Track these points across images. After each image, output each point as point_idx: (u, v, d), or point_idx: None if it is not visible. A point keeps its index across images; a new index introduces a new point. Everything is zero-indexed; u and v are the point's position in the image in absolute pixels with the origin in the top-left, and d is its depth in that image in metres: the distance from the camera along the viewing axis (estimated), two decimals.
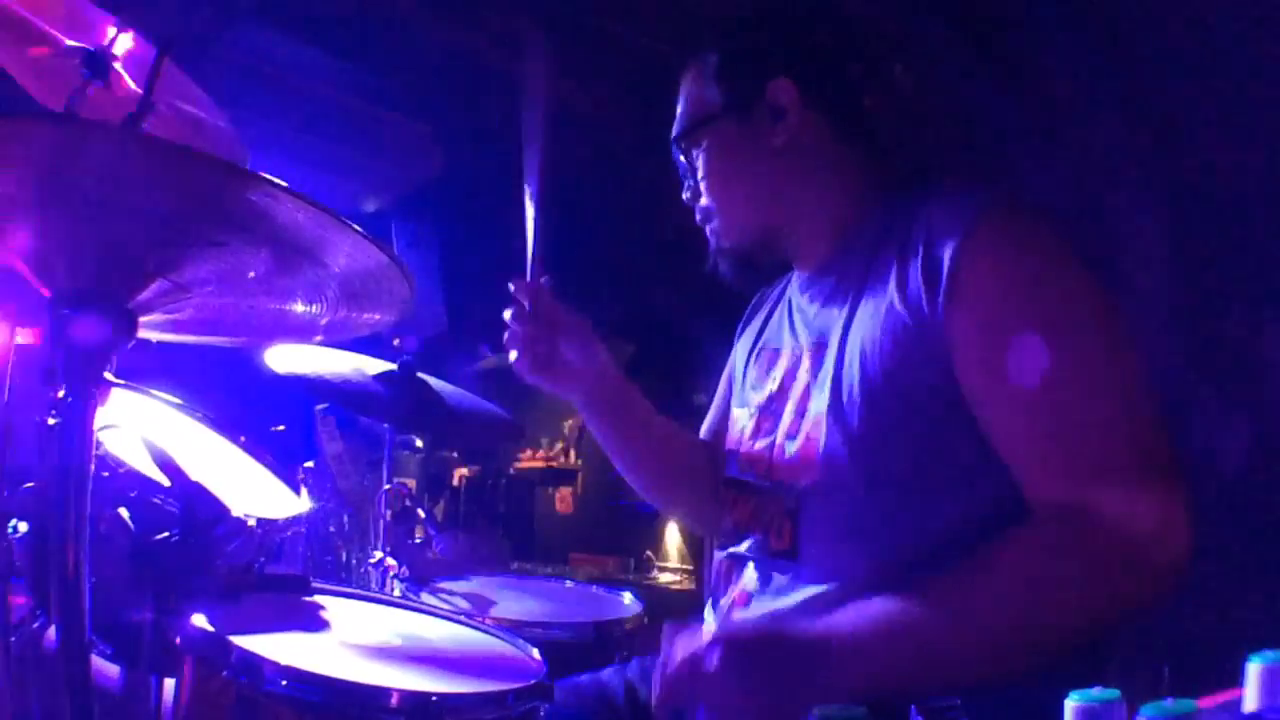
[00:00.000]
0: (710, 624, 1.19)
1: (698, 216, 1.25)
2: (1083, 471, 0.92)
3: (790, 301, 1.26)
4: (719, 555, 1.21)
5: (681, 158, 1.23)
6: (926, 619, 0.91)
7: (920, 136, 1.24)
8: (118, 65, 1.30)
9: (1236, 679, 0.44)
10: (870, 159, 1.18)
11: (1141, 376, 0.95)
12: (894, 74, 1.20)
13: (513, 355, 1.32)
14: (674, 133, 1.23)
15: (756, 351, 1.30)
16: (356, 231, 0.84)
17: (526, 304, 1.30)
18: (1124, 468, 0.92)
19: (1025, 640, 0.91)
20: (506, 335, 1.32)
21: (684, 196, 1.25)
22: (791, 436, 1.12)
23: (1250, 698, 0.43)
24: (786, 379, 1.17)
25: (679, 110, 1.24)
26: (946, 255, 0.99)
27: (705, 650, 0.90)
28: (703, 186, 1.21)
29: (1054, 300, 0.98)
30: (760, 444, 1.18)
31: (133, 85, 1.32)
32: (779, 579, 1.08)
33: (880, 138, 1.19)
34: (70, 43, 1.30)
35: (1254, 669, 0.43)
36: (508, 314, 1.32)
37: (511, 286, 1.31)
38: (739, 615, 1.12)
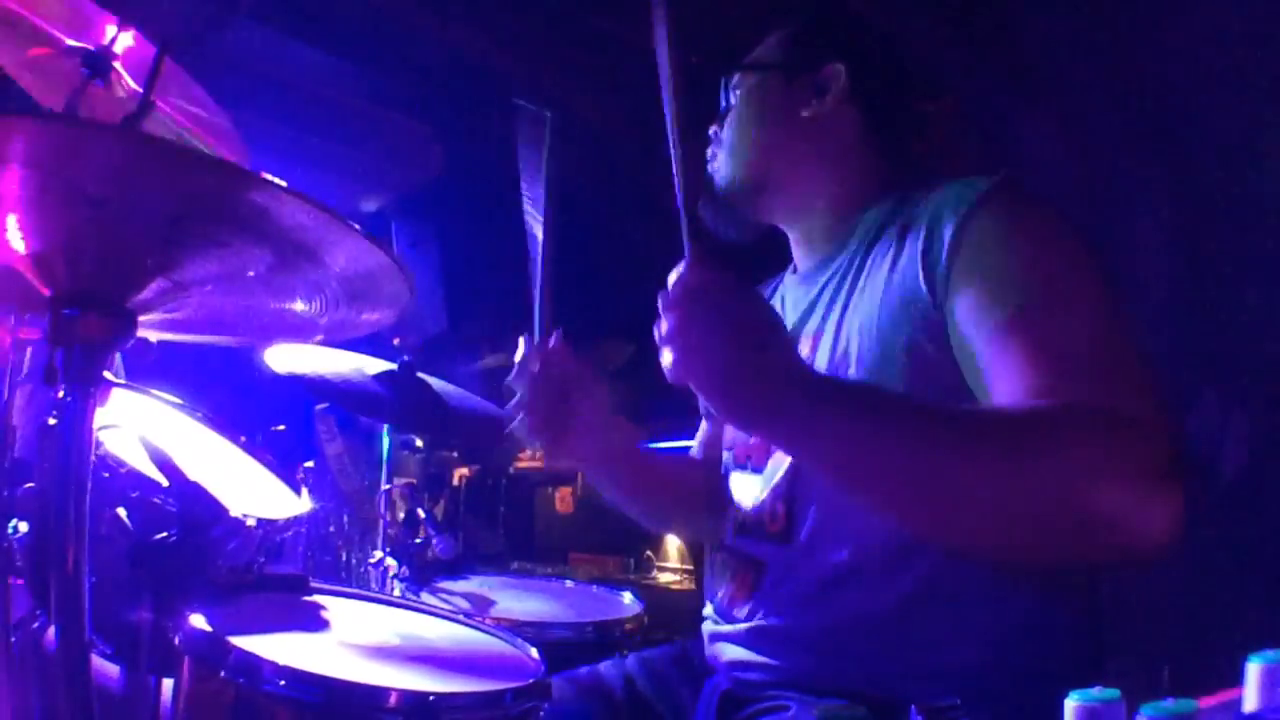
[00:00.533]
0: (710, 617, 1.19)
1: (709, 150, 1.27)
2: (1087, 392, 0.86)
3: (783, 298, 1.27)
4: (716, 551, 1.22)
5: (726, 89, 1.27)
6: (934, 425, 0.84)
7: (937, 142, 1.25)
8: (117, 65, 1.30)
9: (1236, 679, 0.44)
10: (887, 161, 1.21)
11: (1137, 338, 0.93)
12: (934, 89, 1.24)
13: (518, 420, 1.23)
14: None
15: None
16: (357, 231, 0.84)
17: (537, 365, 1.23)
18: (1128, 390, 0.87)
19: (1024, 510, 0.82)
20: (513, 403, 1.24)
21: (711, 130, 1.28)
22: None
23: (1250, 698, 0.43)
24: None
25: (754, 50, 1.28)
26: (948, 229, 0.99)
27: (703, 289, 0.84)
28: (727, 120, 1.25)
29: (1053, 260, 0.97)
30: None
31: (133, 85, 1.32)
32: (776, 563, 1.09)
33: (906, 145, 1.22)
34: (70, 43, 1.30)
35: (1254, 669, 0.43)
36: (511, 379, 1.24)
37: (520, 346, 1.24)
38: (738, 606, 1.12)
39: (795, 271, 1.27)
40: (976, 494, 0.81)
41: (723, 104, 1.28)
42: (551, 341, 1.25)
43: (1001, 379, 0.91)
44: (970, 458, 0.82)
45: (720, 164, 1.25)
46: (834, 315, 1.11)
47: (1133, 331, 0.94)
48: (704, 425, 1.48)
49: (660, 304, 0.85)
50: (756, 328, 0.83)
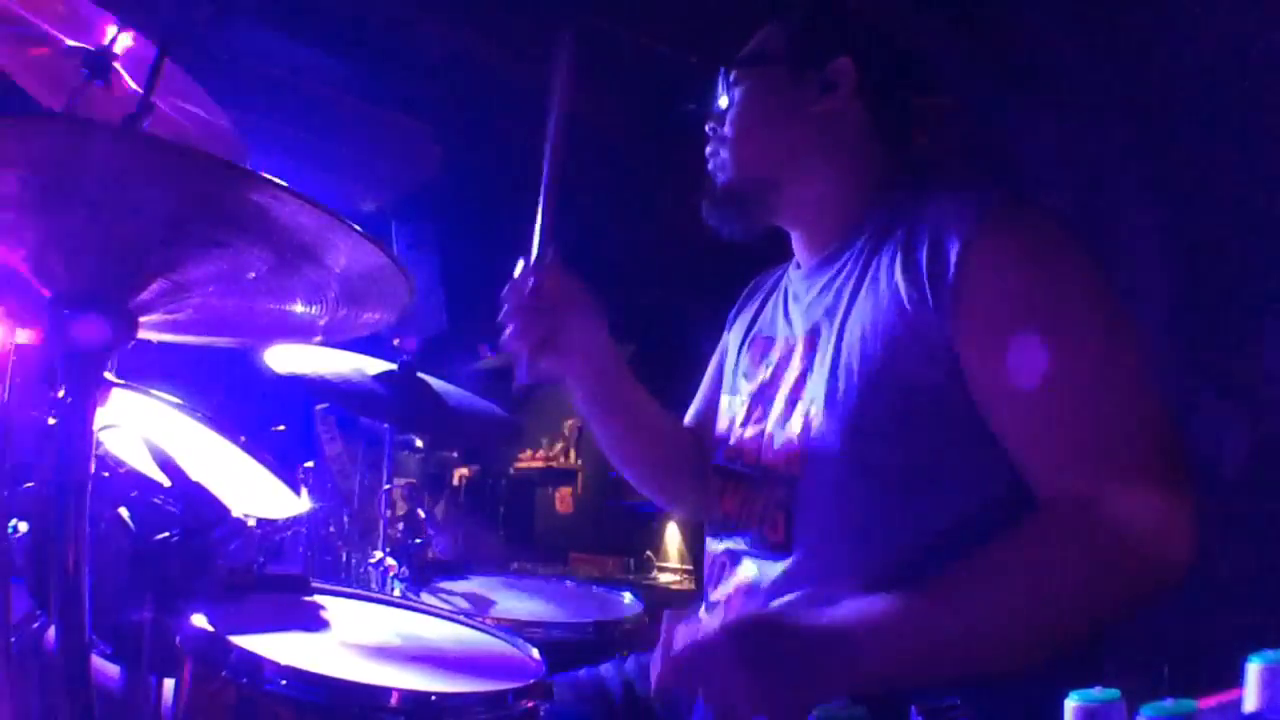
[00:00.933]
0: (705, 618, 1.19)
1: (709, 147, 1.25)
2: (1091, 466, 0.92)
3: (786, 290, 1.26)
4: (712, 548, 1.21)
5: (723, 83, 1.25)
6: (933, 613, 0.91)
7: (939, 141, 1.25)
8: (117, 65, 1.30)
9: (1236, 679, 0.44)
10: (890, 158, 1.20)
11: (1148, 372, 0.96)
12: (940, 88, 1.25)
13: (507, 331, 1.26)
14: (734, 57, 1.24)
15: (749, 340, 1.30)
16: (357, 232, 0.83)
17: (531, 279, 1.25)
18: (1132, 463, 0.92)
19: (1031, 634, 0.91)
20: (504, 312, 1.26)
21: (708, 126, 1.25)
22: (783, 425, 1.12)
23: (1250, 698, 0.43)
24: (780, 367, 1.18)
25: (749, 44, 1.26)
26: (953, 250, 0.99)
27: (710, 637, 0.90)
28: (728, 116, 1.23)
29: (1061, 296, 0.98)
30: (750, 432, 1.18)
31: (132, 85, 1.32)
32: (775, 573, 1.08)
33: (910, 141, 1.22)
34: (70, 43, 1.30)
35: (1254, 669, 0.43)
36: (508, 289, 1.27)
37: (520, 264, 1.27)
38: (736, 609, 1.12)
39: (799, 267, 1.26)
40: (1011, 633, 0.91)
41: (719, 99, 1.25)
42: (545, 259, 1.26)
43: (1014, 444, 0.97)
44: (992, 613, 0.91)
45: (724, 162, 1.23)
46: (836, 318, 1.10)
47: (1139, 364, 0.95)
48: (696, 402, 1.48)
49: (673, 660, 0.92)
50: (767, 649, 0.90)
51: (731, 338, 1.38)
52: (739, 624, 0.91)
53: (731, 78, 1.24)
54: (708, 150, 1.26)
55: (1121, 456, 0.92)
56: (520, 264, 1.27)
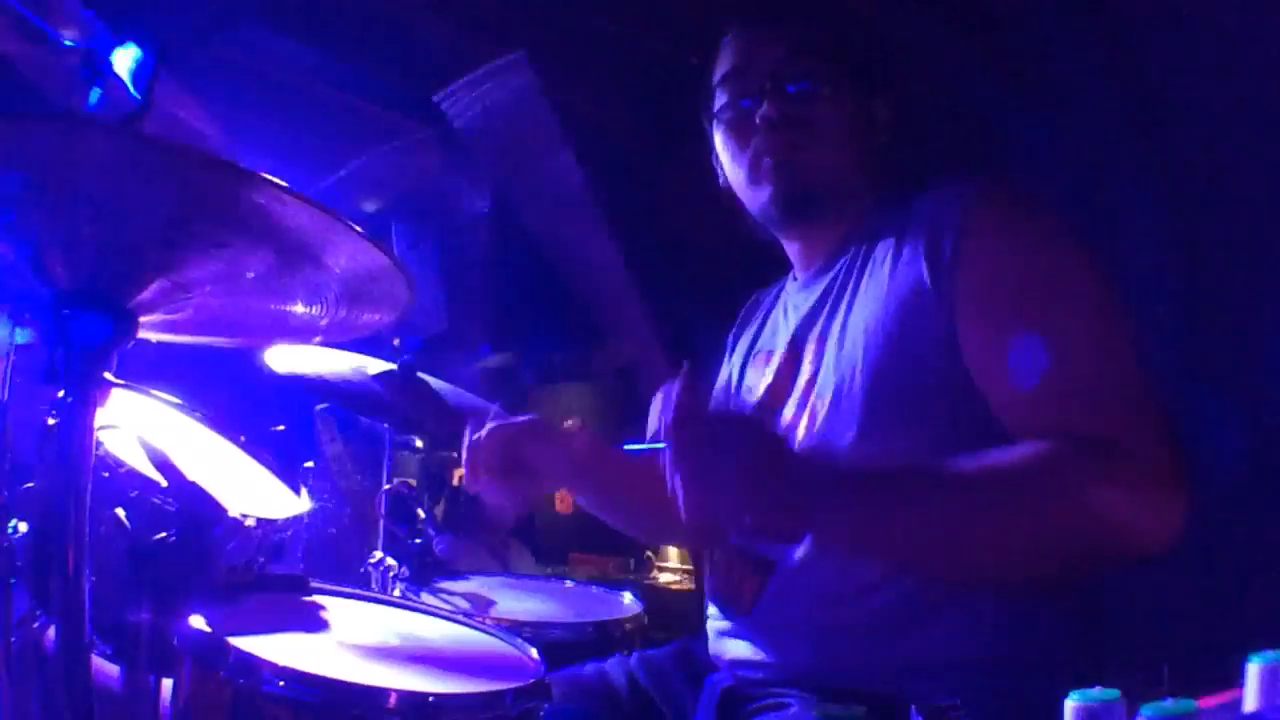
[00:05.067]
0: (714, 615, 1.19)
1: (783, 139, 1.17)
2: (1085, 420, 0.93)
3: (785, 305, 1.26)
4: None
5: (779, 74, 1.17)
6: (935, 491, 0.92)
7: (923, 135, 1.26)
8: (117, 66, 1.30)
9: (1236, 679, 0.44)
10: (886, 165, 1.21)
11: (1139, 342, 0.97)
12: (927, 96, 1.25)
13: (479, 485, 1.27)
14: (807, 45, 1.18)
15: (753, 356, 1.30)
16: (357, 232, 0.83)
17: (485, 436, 1.25)
18: (1124, 420, 0.92)
19: (1002, 546, 0.91)
20: (468, 473, 1.28)
21: (768, 111, 1.16)
22: (793, 428, 1.12)
23: (1250, 698, 0.43)
24: (787, 376, 1.18)
25: (800, 34, 1.19)
26: (949, 232, 1.01)
27: (719, 418, 0.92)
28: (814, 125, 1.17)
29: (1055, 263, 1.00)
30: None
31: (131, 87, 1.32)
32: (781, 566, 1.08)
33: (905, 151, 1.23)
34: (70, 43, 1.30)
35: (1254, 669, 0.43)
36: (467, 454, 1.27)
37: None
38: (743, 605, 1.12)
39: (795, 279, 1.27)
40: (981, 541, 0.91)
41: (779, 88, 1.17)
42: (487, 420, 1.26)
43: (1001, 396, 0.97)
44: (971, 510, 0.91)
45: (802, 167, 1.17)
46: (838, 318, 1.11)
47: (1132, 336, 0.96)
48: None
49: (663, 431, 0.90)
50: (760, 443, 0.89)
51: (735, 357, 1.38)
52: (745, 420, 0.93)
53: (812, 82, 1.17)
54: (784, 142, 1.17)
55: (1114, 414, 0.93)
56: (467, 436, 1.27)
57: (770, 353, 1.24)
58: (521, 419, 1.28)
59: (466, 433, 1.27)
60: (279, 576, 1.15)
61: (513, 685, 0.93)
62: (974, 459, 0.93)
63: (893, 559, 0.94)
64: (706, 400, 0.91)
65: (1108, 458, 0.90)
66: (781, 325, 1.25)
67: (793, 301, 1.24)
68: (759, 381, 1.23)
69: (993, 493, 0.91)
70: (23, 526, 1.05)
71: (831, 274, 1.17)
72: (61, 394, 0.85)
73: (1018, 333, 0.95)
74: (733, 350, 1.40)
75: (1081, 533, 0.90)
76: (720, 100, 1.22)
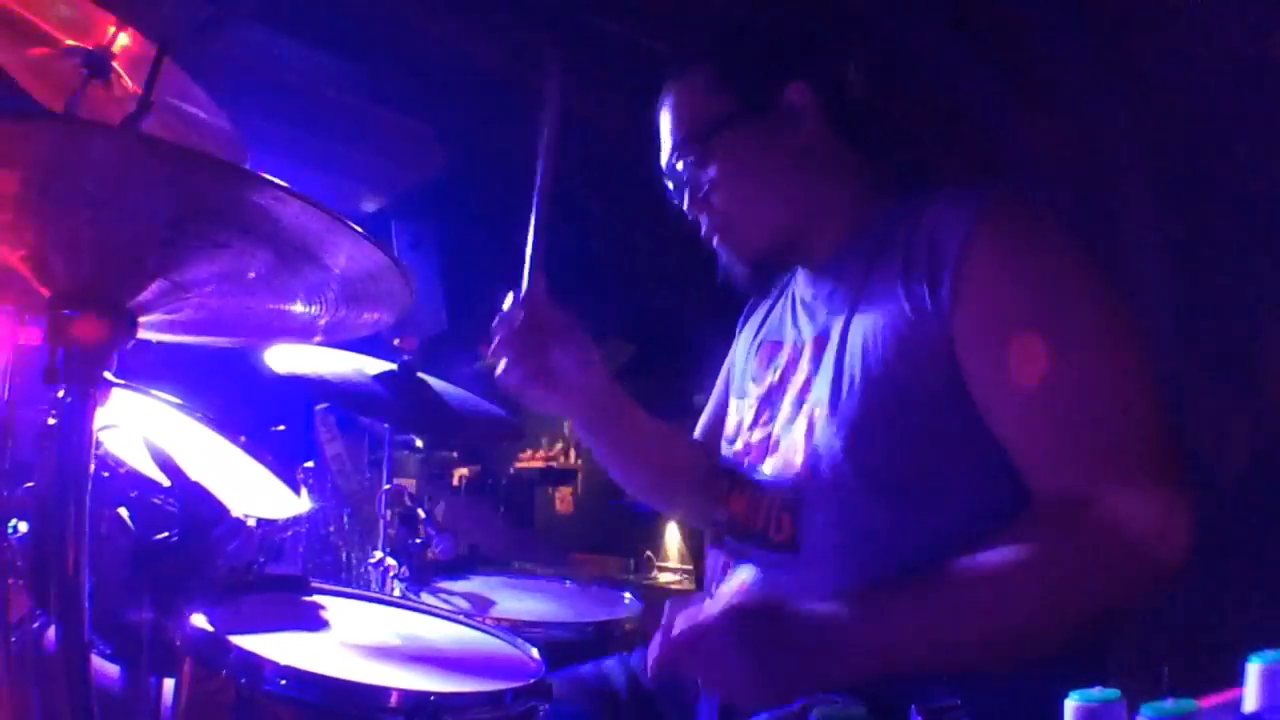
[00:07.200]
0: (707, 604, 1.19)
1: (705, 228, 1.20)
2: (1087, 465, 0.93)
3: (793, 295, 1.26)
4: (717, 548, 1.22)
5: (680, 167, 1.18)
6: (933, 610, 0.92)
7: (921, 135, 1.24)
8: (117, 65, 1.30)
9: (1236, 679, 0.44)
10: (873, 159, 1.19)
11: (1147, 371, 0.96)
12: (897, 75, 1.22)
13: (500, 366, 1.23)
14: (676, 140, 1.19)
15: (758, 345, 1.30)
16: (357, 232, 0.83)
17: (522, 312, 1.22)
18: (1128, 462, 0.92)
19: (1025, 632, 0.92)
20: (494, 344, 1.24)
21: (686, 209, 1.21)
22: (788, 428, 1.12)
23: (1250, 698, 0.43)
24: (787, 371, 1.18)
25: (673, 121, 1.20)
26: (951, 252, 0.99)
27: (709, 620, 0.91)
28: (716, 195, 1.17)
29: (1059, 293, 0.98)
30: (758, 434, 1.18)
31: (132, 85, 1.32)
32: (780, 573, 1.08)
33: (883, 138, 1.21)
34: (70, 42, 1.30)
35: (1254, 669, 0.43)
36: (497, 323, 1.24)
37: (510, 297, 1.24)
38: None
39: (804, 270, 1.25)
40: (1001, 640, 0.92)
41: (680, 181, 1.19)
42: (534, 289, 1.23)
43: (1011, 443, 0.97)
44: (988, 617, 0.91)
45: (740, 236, 1.18)
46: (838, 324, 1.10)
47: (1138, 362, 0.96)
48: (706, 413, 1.47)
49: (673, 642, 0.93)
50: (765, 635, 0.91)
51: (740, 344, 1.38)
52: (738, 609, 0.92)
53: (695, 155, 1.17)
54: (705, 232, 1.20)
55: (1118, 455, 0.93)
56: (510, 296, 1.24)
57: (777, 344, 1.24)
58: (560, 315, 1.23)
59: (508, 299, 1.24)
60: (279, 576, 1.15)
61: (513, 685, 0.93)
62: (976, 559, 0.93)
63: (929, 672, 0.92)
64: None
65: (1109, 511, 0.90)
66: (789, 316, 1.25)
67: (800, 293, 1.24)
68: (763, 374, 1.24)
69: (1001, 589, 0.92)
70: (23, 526, 1.05)
71: (838, 272, 1.16)
72: (61, 394, 0.85)
73: (1017, 364, 0.94)
74: (741, 331, 1.40)
75: (1098, 588, 0.92)
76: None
